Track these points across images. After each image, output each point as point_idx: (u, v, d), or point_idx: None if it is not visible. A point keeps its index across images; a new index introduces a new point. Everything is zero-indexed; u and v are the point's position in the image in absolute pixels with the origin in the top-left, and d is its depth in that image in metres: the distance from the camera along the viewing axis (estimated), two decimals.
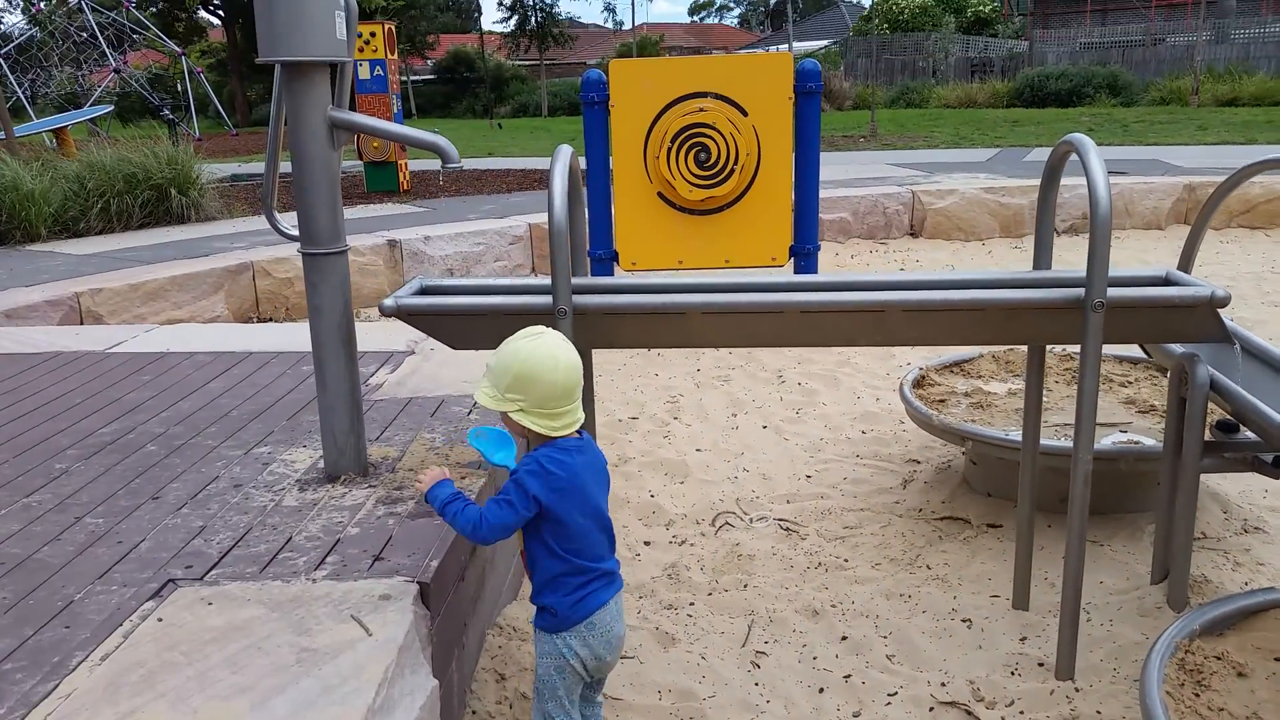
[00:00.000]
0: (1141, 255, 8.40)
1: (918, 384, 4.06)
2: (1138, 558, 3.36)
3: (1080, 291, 2.47)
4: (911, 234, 9.55)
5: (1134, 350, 4.09)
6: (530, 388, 2.06)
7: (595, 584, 2.14)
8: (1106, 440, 3.44)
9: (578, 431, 2.16)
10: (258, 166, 15.67)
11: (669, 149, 4.77)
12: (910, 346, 5.01)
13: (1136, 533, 3.51)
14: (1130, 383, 4.09)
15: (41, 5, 27.50)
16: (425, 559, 2.35)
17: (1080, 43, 34.78)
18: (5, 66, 23.55)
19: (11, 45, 26.17)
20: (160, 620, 2.10)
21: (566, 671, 2.16)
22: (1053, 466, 3.32)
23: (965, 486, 3.90)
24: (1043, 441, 3.04)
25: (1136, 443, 3.44)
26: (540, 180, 12.44)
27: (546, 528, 2.10)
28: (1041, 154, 13.24)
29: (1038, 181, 9.31)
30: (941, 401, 3.89)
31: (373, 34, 10.99)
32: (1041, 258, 2.82)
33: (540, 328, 2.15)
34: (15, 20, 29.51)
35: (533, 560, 2.15)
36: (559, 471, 2.07)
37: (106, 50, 26.69)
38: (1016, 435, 3.33)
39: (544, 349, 2.08)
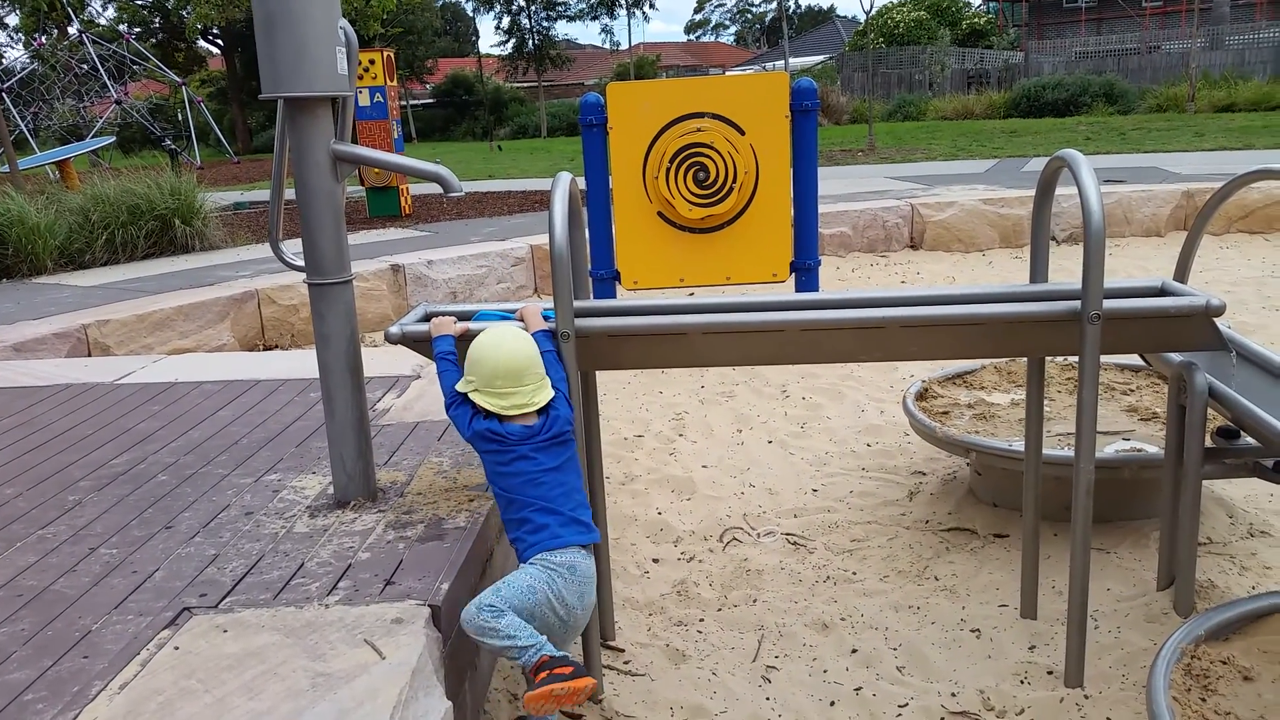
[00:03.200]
0: (1141, 263, 8.43)
1: (920, 396, 4.09)
2: (1144, 564, 3.37)
3: (1077, 304, 2.51)
4: (912, 246, 9.59)
5: (1135, 358, 4.12)
6: (478, 368, 2.43)
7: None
8: (1109, 448, 3.46)
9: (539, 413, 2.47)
10: (260, 194, 15.78)
11: (668, 169, 4.84)
12: (912, 361, 5.04)
13: (1142, 539, 3.53)
14: (1132, 390, 4.11)
15: (44, 40, 27.75)
16: (436, 582, 2.38)
17: (1075, 52, 34.95)
18: (8, 100, 23.73)
19: (14, 79, 26.39)
20: (176, 648, 2.13)
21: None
22: (1057, 476, 3.34)
23: (971, 497, 3.92)
24: (1045, 451, 3.07)
25: (1139, 450, 3.47)
26: (541, 201, 12.51)
27: None
28: (1039, 164, 13.23)
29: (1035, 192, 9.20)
30: (945, 414, 3.92)
31: (371, 61, 11.09)
32: (1038, 271, 2.85)
33: (499, 325, 2.51)
34: (17, 54, 29.75)
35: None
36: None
37: (108, 82, 26.91)
38: (1020, 446, 3.36)
39: (491, 335, 2.47)
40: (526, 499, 2.40)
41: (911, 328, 2.60)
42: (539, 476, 2.40)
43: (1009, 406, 3.97)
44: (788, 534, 3.83)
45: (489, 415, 2.44)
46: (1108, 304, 2.49)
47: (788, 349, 2.72)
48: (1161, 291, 2.74)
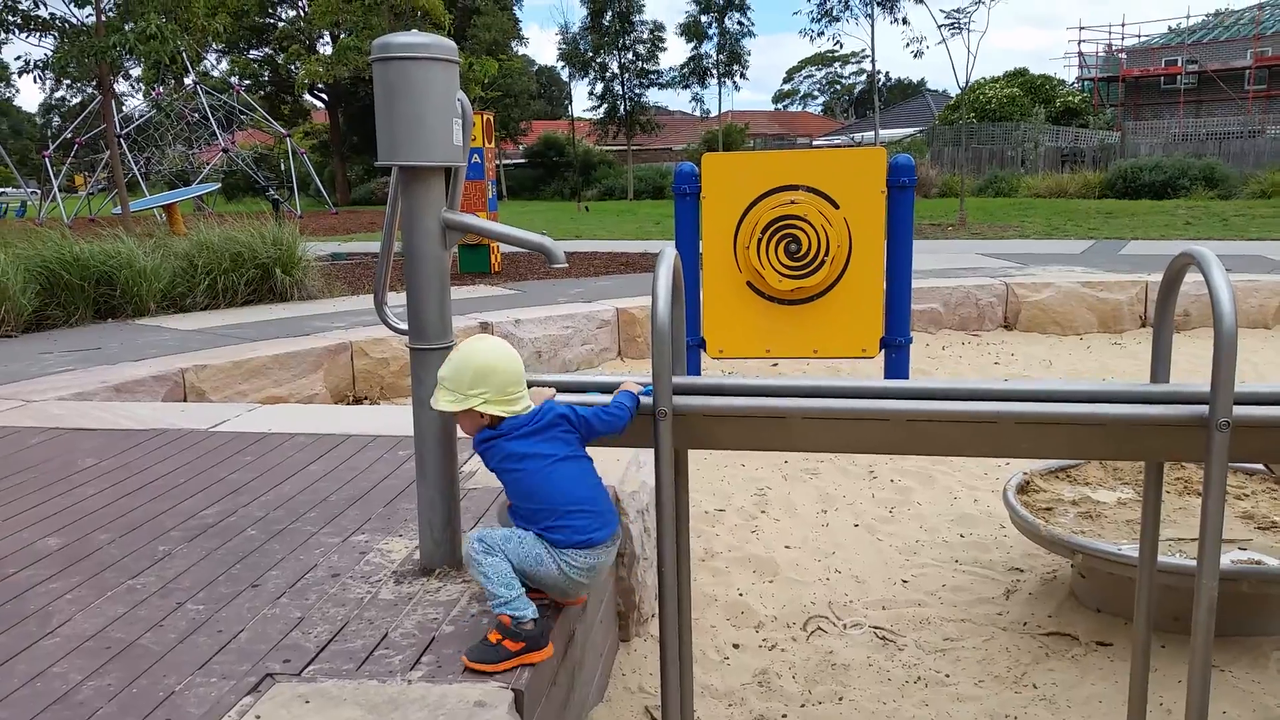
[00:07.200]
0: (1247, 355, 8.08)
1: (1022, 490, 3.93)
2: (1264, 687, 3.15)
3: (1204, 409, 2.37)
4: (1005, 326, 9.37)
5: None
6: (491, 378, 2.41)
7: None
8: (1226, 559, 3.26)
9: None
10: (357, 246, 16.20)
11: (759, 240, 4.81)
12: (1022, 458, 4.89)
13: (1260, 658, 3.31)
14: (1246, 495, 3.89)
15: (161, 90, 29.16)
16: None
17: (1174, 134, 34.32)
18: (125, 146, 24.90)
19: (132, 126, 27.72)
20: (258, 718, 2.10)
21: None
22: (1168, 584, 3.16)
23: (1073, 600, 3.73)
24: (1160, 559, 2.90)
25: (1259, 562, 3.27)
26: (627, 263, 12.59)
27: None
28: (1137, 247, 12.95)
29: (1135, 276, 9.09)
30: (1048, 509, 3.75)
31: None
32: (1159, 370, 2.71)
33: (480, 334, 2.55)
34: (137, 103, 31.33)
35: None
36: None
37: (216, 130, 28.13)
38: (1130, 550, 3.19)
39: (495, 344, 2.47)
40: (540, 494, 2.41)
41: (1026, 424, 2.49)
42: (547, 469, 2.41)
43: (1116, 506, 3.79)
44: (876, 627, 3.68)
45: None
46: (1238, 411, 2.35)
47: (891, 438, 2.62)
48: None
